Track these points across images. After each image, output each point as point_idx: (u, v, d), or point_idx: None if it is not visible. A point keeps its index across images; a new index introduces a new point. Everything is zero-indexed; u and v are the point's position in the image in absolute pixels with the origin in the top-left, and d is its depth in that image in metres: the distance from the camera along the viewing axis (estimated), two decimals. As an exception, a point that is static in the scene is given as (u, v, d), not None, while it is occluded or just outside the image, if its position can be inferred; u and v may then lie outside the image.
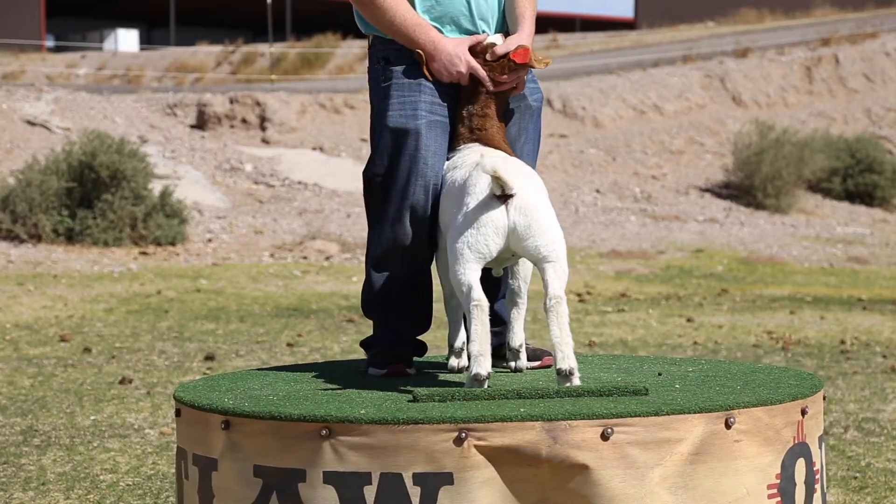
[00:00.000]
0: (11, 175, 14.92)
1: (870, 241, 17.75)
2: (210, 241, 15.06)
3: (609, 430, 2.87)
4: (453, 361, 3.65)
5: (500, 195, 3.22)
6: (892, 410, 6.29)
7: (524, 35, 3.66)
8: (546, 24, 44.17)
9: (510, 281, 3.64)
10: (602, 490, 2.87)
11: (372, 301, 3.66)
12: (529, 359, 3.73)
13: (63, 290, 11.30)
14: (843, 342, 8.67)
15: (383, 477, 2.88)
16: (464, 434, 2.85)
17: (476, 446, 2.85)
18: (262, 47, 33.20)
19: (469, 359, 3.18)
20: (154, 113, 20.10)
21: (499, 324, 3.76)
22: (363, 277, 3.75)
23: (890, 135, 23.27)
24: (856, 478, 4.93)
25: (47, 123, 18.30)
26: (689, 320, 9.83)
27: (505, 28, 3.71)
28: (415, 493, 2.86)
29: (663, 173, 20.73)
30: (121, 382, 6.90)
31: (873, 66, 25.58)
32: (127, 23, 45.94)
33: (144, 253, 13.98)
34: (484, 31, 3.66)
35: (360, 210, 16.17)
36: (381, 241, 3.58)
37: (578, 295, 11.44)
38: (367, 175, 3.61)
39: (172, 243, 14.45)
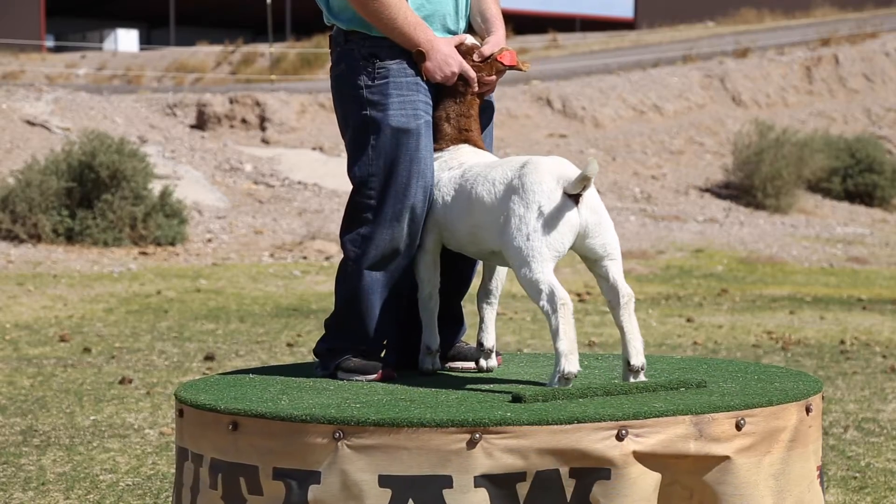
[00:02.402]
0: (11, 175, 14.92)
1: (870, 241, 17.75)
2: (210, 241, 15.06)
3: (742, 420, 3.02)
4: (429, 363, 3.65)
5: (573, 194, 3.24)
6: (892, 410, 6.29)
7: (501, 37, 3.67)
8: (546, 24, 44.18)
9: (489, 282, 3.64)
10: (731, 478, 3.01)
11: (358, 304, 3.56)
12: (465, 359, 3.74)
13: (63, 290, 11.30)
14: (842, 342, 8.67)
15: (538, 476, 2.87)
16: (624, 431, 2.90)
17: (634, 442, 2.91)
18: (262, 47, 33.20)
19: (558, 356, 3.20)
20: (154, 113, 20.10)
21: (458, 324, 3.77)
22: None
23: (890, 135, 23.27)
24: (855, 478, 4.93)
25: (47, 123, 18.30)
26: (688, 320, 9.82)
27: (469, 28, 3.72)
28: (569, 484, 2.88)
29: (663, 173, 20.72)
30: (121, 382, 6.90)
31: (873, 66, 25.58)
32: (127, 23, 45.94)
33: (144, 253, 13.98)
34: (462, 31, 3.67)
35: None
36: (377, 242, 3.52)
37: (578, 295, 11.44)
38: (362, 175, 3.53)
39: (172, 243, 14.45)
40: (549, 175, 3.26)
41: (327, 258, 14.12)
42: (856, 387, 6.93)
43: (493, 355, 3.68)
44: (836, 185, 20.62)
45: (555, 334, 3.19)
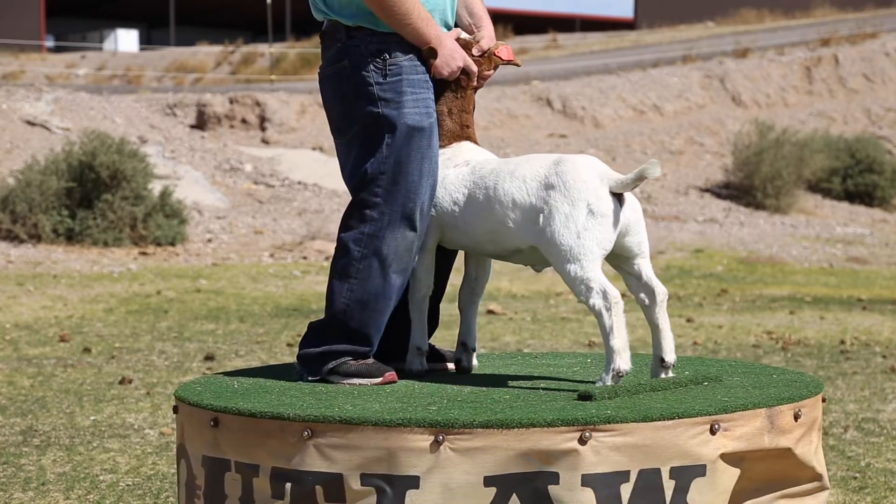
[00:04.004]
0: (11, 175, 14.92)
1: (870, 241, 17.75)
2: (210, 241, 15.06)
3: (799, 411, 3.14)
4: (418, 363, 3.62)
5: (616, 192, 3.27)
6: (892, 410, 6.29)
7: (492, 31, 3.66)
8: (546, 24, 44.17)
9: (475, 281, 3.62)
10: (789, 466, 3.12)
11: (362, 306, 3.47)
12: (443, 360, 3.72)
13: (63, 290, 11.30)
14: (842, 342, 8.67)
15: (642, 473, 2.90)
16: (717, 426, 2.96)
17: (723, 437, 2.98)
18: (262, 47, 33.20)
19: (611, 354, 3.24)
20: (154, 113, 20.10)
21: (434, 325, 3.74)
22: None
23: (890, 135, 23.27)
24: (855, 478, 4.93)
25: (47, 123, 18.30)
26: (689, 320, 9.82)
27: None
28: (669, 486, 2.92)
29: (663, 173, 20.73)
30: (121, 382, 6.90)
31: (873, 66, 25.58)
32: (127, 23, 45.94)
33: (144, 253, 13.98)
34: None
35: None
36: (387, 242, 3.44)
37: (578, 295, 11.44)
38: (373, 173, 3.46)
39: (172, 243, 14.45)
40: (590, 172, 3.27)
41: (327, 258, 14.13)
42: (856, 387, 6.93)
43: (474, 355, 3.67)
44: (836, 186, 20.62)
45: (609, 332, 3.21)
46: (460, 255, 3.76)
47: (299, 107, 20.65)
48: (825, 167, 20.39)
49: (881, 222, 19.82)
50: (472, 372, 3.66)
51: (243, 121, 20.25)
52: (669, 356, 3.37)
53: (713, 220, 18.57)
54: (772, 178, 19.54)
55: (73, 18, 47.52)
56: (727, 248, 16.28)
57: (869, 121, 23.89)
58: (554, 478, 2.85)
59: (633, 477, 2.88)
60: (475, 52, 3.58)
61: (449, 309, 4.29)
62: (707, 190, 20.38)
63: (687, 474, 2.92)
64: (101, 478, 4.92)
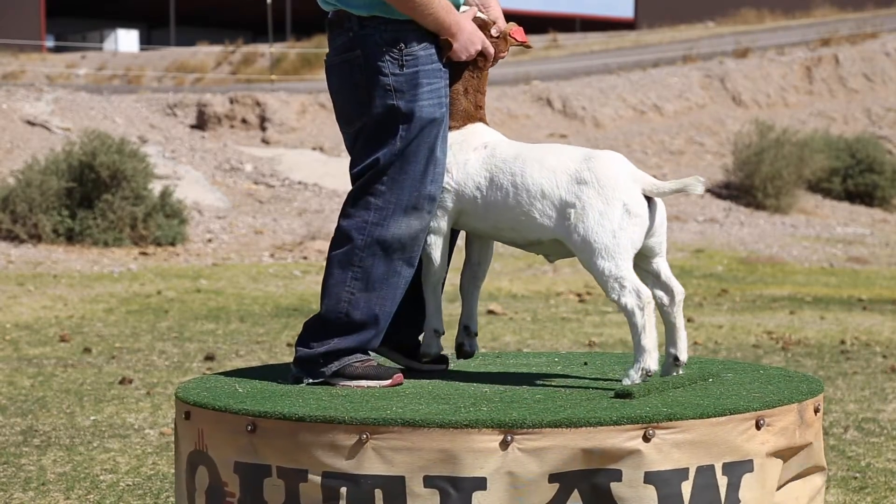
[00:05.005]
0: (11, 175, 14.92)
1: (870, 241, 17.75)
2: (210, 241, 15.06)
3: (818, 405, 3.23)
4: (436, 346, 3.58)
5: (647, 195, 3.30)
6: (892, 410, 6.29)
7: (499, 10, 3.63)
8: (546, 24, 44.17)
9: (477, 265, 3.59)
10: (804, 459, 3.20)
11: (369, 298, 3.37)
12: (445, 361, 3.67)
13: (63, 290, 11.30)
14: (843, 342, 8.67)
15: (699, 471, 2.93)
16: (762, 421, 3.01)
17: (766, 432, 3.03)
18: (262, 47, 33.21)
19: (642, 352, 3.26)
20: (154, 113, 20.10)
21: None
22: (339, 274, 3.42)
23: (890, 135, 23.27)
24: (856, 478, 4.93)
25: (47, 123, 18.30)
26: (689, 320, 9.82)
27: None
28: (723, 482, 2.96)
29: (663, 173, 20.73)
30: (121, 382, 6.90)
31: (873, 66, 25.58)
32: (127, 23, 45.96)
33: (144, 253, 13.98)
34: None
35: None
36: (393, 231, 3.35)
37: (578, 295, 11.44)
38: (385, 162, 3.36)
39: (172, 243, 14.45)
40: (624, 172, 3.28)
41: (327, 258, 14.12)
42: (856, 387, 6.93)
43: (476, 339, 3.64)
44: (836, 185, 20.62)
45: (640, 331, 3.23)
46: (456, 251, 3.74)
47: (299, 107, 20.65)
48: (825, 167, 20.39)
49: (881, 222, 19.82)
50: (464, 370, 3.64)
51: (243, 121, 20.25)
52: (683, 355, 3.41)
53: (713, 220, 18.57)
54: (772, 178, 19.54)
55: (73, 18, 47.52)
56: (727, 248, 16.28)
57: (869, 121, 23.89)
58: (616, 475, 2.87)
59: (691, 474, 2.92)
60: (493, 32, 3.56)
61: (448, 309, 4.28)
62: (707, 190, 20.39)
63: (737, 470, 2.97)
64: (101, 478, 4.92)
